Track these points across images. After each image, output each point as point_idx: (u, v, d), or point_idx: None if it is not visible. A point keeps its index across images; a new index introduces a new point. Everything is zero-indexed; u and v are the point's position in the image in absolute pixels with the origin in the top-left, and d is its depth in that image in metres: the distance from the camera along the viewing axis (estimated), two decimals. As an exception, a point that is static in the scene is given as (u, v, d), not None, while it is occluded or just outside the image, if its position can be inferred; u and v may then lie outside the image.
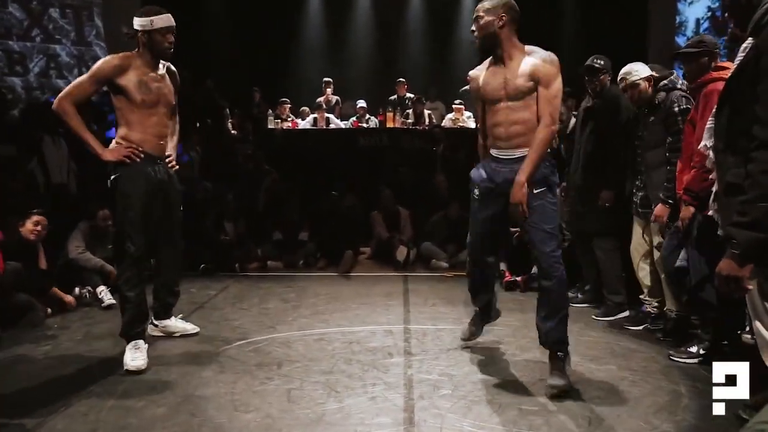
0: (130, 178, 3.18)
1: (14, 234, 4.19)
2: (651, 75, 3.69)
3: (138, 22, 3.18)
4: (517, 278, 5.12)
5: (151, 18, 3.17)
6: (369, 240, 6.48)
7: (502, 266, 5.28)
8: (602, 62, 4.11)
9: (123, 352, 3.19)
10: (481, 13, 2.85)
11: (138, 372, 3.09)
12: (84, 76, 3.16)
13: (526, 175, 2.75)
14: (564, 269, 2.83)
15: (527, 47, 2.86)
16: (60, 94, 3.11)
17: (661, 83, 3.66)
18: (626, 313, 4.08)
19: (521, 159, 2.79)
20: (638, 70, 3.70)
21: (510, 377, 3.04)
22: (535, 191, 2.80)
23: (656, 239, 3.67)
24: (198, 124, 7.66)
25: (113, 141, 3.25)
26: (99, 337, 3.76)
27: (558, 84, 2.77)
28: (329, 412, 2.61)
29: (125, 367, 3.11)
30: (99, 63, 3.19)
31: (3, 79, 8.18)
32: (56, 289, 4.33)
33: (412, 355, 3.37)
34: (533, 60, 2.78)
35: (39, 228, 4.30)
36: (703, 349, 3.21)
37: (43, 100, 7.80)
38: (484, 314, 3.39)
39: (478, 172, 3.04)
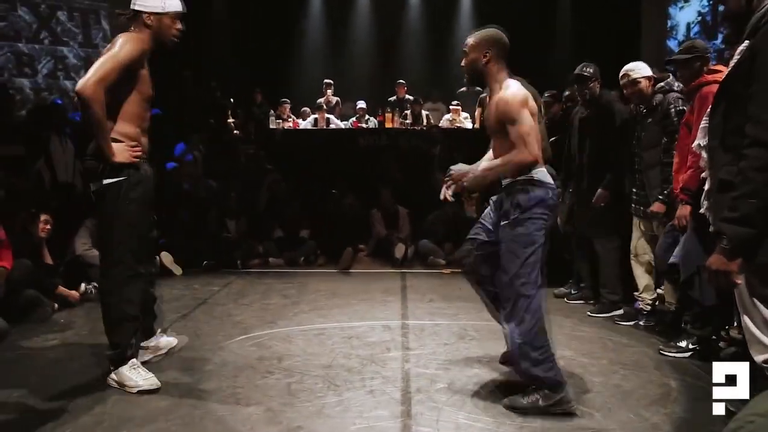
0: (136, 182, 2.78)
1: (21, 231, 4.19)
2: (651, 75, 3.69)
3: (146, 3, 2.79)
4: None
5: (164, 1, 2.81)
6: (368, 238, 6.48)
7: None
8: (591, 70, 4.09)
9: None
10: (467, 50, 2.73)
11: (156, 390, 2.78)
12: (112, 62, 2.63)
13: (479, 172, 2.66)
14: None
15: (509, 80, 2.66)
16: (90, 78, 2.58)
17: (659, 85, 3.66)
18: (620, 311, 4.07)
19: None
20: (640, 69, 3.70)
21: (504, 371, 3.03)
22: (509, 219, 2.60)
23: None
24: (201, 124, 7.66)
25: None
26: (104, 332, 3.75)
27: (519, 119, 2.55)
28: (329, 405, 2.61)
29: (136, 389, 2.75)
30: (130, 47, 2.67)
31: (12, 81, 8.16)
32: (61, 286, 4.33)
33: (410, 350, 3.37)
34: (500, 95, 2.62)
35: (48, 226, 4.31)
36: (692, 344, 3.22)
37: (50, 101, 7.79)
38: None
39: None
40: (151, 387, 2.78)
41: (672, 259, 3.20)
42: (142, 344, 3.09)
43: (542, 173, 2.61)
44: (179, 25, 2.87)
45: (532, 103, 2.61)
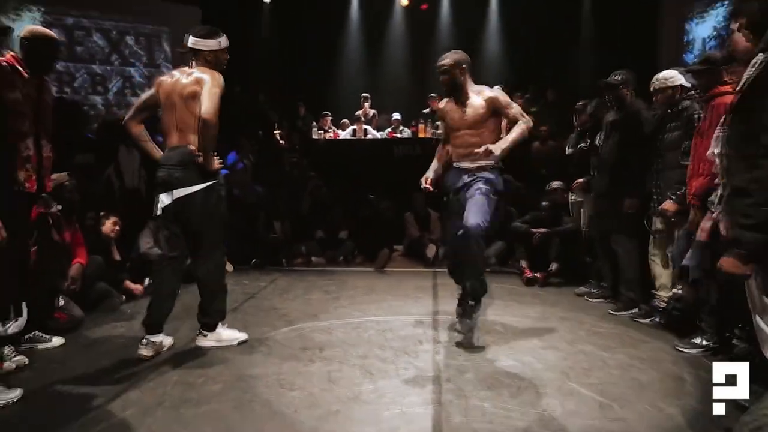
0: (222, 183, 3.24)
1: (93, 231, 4.35)
2: (681, 84, 3.64)
3: (206, 43, 3.15)
4: (536, 275, 5.07)
5: (220, 39, 3.19)
6: (402, 239, 6.50)
7: (523, 264, 5.24)
8: (620, 77, 4.01)
9: (178, 335, 3.33)
10: (448, 68, 3.38)
11: (247, 339, 3.35)
12: (217, 95, 3.00)
13: (501, 148, 3.15)
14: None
15: (476, 87, 3.42)
16: (211, 108, 2.96)
17: (690, 92, 3.61)
18: (639, 309, 3.98)
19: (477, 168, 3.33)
20: (672, 77, 3.66)
21: (528, 363, 3.02)
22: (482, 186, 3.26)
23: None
24: (250, 135, 7.79)
25: (191, 151, 3.07)
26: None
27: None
28: (365, 392, 2.65)
29: (237, 341, 3.31)
30: (220, 82, 3.04)
31: (87, 98, 8.47)
32: (128, 281, 4.48)
33: (440, 343, 3.38)
34: (486, 95, 3.35)
35: (117, 227, 4.46)
36: (707, 341, 3.14)
37: (119, 116, 8.05)
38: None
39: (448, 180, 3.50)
40: (246, 338, 3.36)
41: (684, 262, 3.14)
42: (150, 338, 3.16)
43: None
44: (227, 55, 3.26)
45: None
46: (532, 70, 9.71)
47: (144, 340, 3.15)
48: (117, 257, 4.53)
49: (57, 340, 3.33)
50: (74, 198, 4.03)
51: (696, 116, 3.45)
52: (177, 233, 3.16)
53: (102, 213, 4.46)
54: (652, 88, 3.75)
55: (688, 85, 3.63)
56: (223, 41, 3.20)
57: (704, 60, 3.28)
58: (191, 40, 3.15)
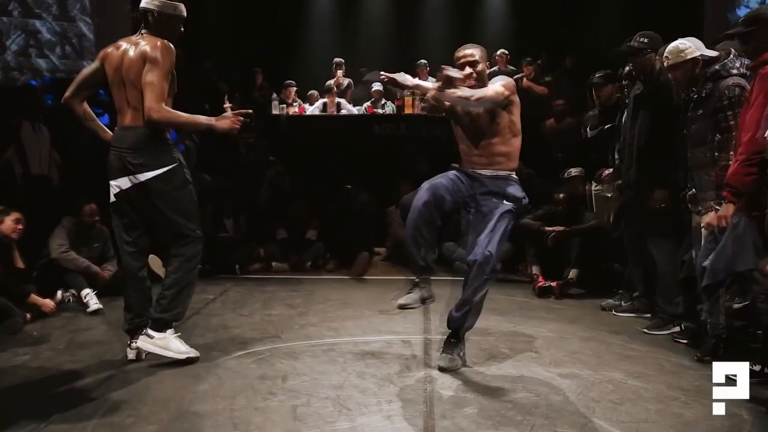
0: (182, 166, 3.38)
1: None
2: (699, 56, 3.50)
3: (160, 4, 3.30)
4: (551, 283, 5.07)
5: (177, 4, 3.35)
6: (384, 240, 6.48)
7: (535, 270, 5.24)
8: (646, 40, 3.97)
9: (101, 363, 3.28)
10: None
11: (197, 359, 3.38)
12: (163, 77, 3.16)
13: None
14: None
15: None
16: (153, 104, 3.11)
17: (712, 69, 3.47)
18: (678, 328, 3.99)
19: None
20: (688, 48, 3.50)
21: (544, 394, 3.00)
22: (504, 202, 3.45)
23: None
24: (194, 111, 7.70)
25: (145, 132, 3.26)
26: (83, 345, 3.78)
27: None
28: (340, 433, 2.59)
29: (184, 356, 3.32)
30: (167, 55, 3.19)
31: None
32: (34, 294, 4.35)
33: (433, 369, 3.36)
34: None
35: (19, 226, 4.33)
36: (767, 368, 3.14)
37: (21, 82, 7.85)
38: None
39: None
40: (197, 356, 3.37)
41: (704, 263, 3.20)
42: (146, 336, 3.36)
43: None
44: (182, 27, 3.43)
45: None
46: (542, 31, 9.75)
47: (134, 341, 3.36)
48: (20, 264, 4.42)
49: (-61, 371, 3.22)
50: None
51: (725, 102, 3.34)
52: (135, 220, 3.37)
53: (0, 208, 4.33)
54: (665, 65, 3.66)
55: (712, 54, 3.50)
56: (181, 8, 3.37)
57: (751, 19, 3.24)
58: (144, 0, 3.32)
